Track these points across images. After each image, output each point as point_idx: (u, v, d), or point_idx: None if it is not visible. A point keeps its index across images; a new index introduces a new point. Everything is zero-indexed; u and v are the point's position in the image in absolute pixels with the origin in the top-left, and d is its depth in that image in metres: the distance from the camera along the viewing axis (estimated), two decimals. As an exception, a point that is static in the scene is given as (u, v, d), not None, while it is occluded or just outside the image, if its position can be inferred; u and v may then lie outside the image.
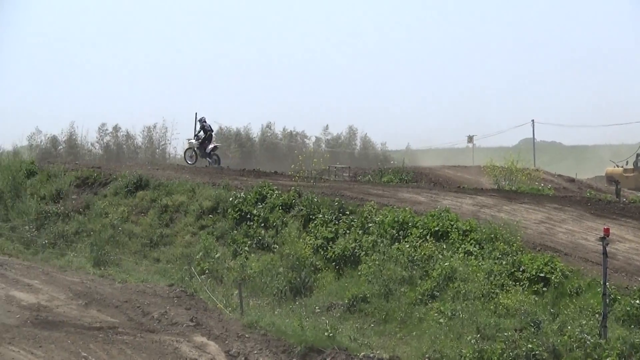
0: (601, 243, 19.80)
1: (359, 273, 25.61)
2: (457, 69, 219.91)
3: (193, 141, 46.03)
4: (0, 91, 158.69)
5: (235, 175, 40.33)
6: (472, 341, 20.00)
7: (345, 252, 26.93)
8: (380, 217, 27.76)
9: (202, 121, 45.66)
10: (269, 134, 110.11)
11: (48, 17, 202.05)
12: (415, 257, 25.02)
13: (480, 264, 24.01)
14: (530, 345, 19.19)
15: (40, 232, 33.61)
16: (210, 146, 45.75)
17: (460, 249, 25.36)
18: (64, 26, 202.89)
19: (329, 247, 27.47)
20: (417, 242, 25.76)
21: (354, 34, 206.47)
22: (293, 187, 32.22)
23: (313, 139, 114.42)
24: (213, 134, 47.95)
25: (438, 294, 23.36)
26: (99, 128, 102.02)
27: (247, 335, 21.26)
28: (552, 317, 20.96)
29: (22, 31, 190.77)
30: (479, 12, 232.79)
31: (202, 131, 45.60)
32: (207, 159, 45.15)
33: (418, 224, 26.94)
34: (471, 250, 25.17)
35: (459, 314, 21.64)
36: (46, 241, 32.60)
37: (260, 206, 31.05)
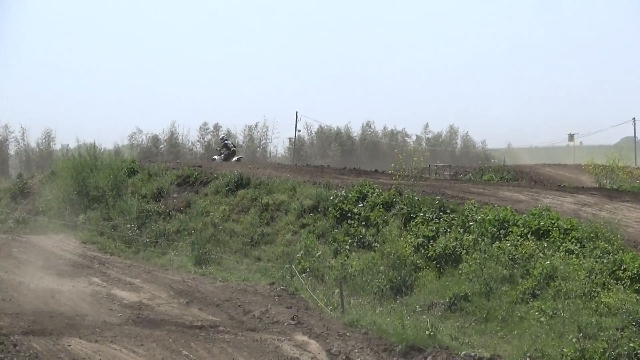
0: None
1: (460, 272, 25.29)
2: (559, 67, 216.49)
3: (216, 157, 49.14)
4: (103, 91, 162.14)
5: (335, 173, 40.25)
6: (573, 340, 19.68)
7: (446, 251, 26.62)
8: (481, 215, 27.39)
9: (224, 140, 50.35)
10: (369, 133, 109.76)
11: (149, 15, 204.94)
12: (516, 256, 24.61)
13: (581, 262, 23.51)
14: (632, 345, 18.78)
15: (142, 231, 33.93)
16: (234, 159, 48.57)
17: (561, 247, 24.88)
18: (161, 24, 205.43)
19: (430, 246, 27.17)
20: (518, 241, 25.34)
21: (454, 37, 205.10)
22: (393, 186, 32.00)
23: (413, 137, 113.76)
24: (236, 149, 51.57)
25: (539, 292, 22.95)
26: (200, 127, 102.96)
27: (348, 334, 21.11)
28: (654, 316, 20.43)
29: (122, 29, 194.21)
30: (580, 9, 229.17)
31: (225, 148, 48.91)
32: None
33: (519, 222, 26.51)
34: (572, 248, 24.69)
35: (560, 313, 21.25)
36: (147, 240, 32.90)
37: (361, 205, 30.88)
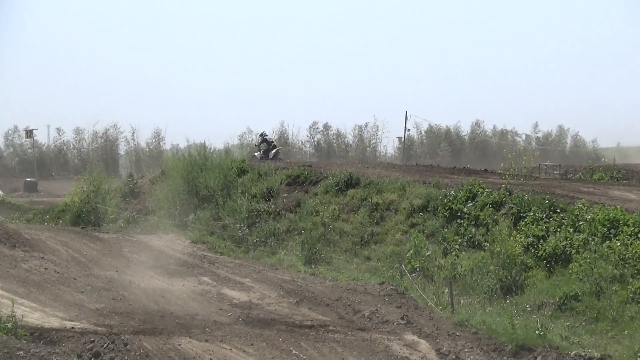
0: None
1: (570, 271, 24.92)
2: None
3: (256, 154, 49.73)
4: (213, 92, 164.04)
5: (445, 173, 40.12)
6: (685, 341, 19.23)
7: (556, 250, 26.27)
8: (591, 215, 26.94)
9: (263, 135, 51.15)
10: (478, 132, 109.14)
11: (257, 15, 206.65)
12: (627, 256, 24.12)
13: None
14: None
15: (252, 230, 34.12)
16: (273, 151, 49.30)
17: (672, 247, 24.37)
18: (268, 24, 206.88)
19: (540, 245, 26.84)
20: (628, 240, 24.83)
21: (563, 33, 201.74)
22: (503, 185, 31.73)
23: (523, 136, 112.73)
24: (274, 142, 52.37)
25: (650, 292, 22.53)
26: (309, 126, 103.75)
27: (457, 334, 20.97)
28: None
29: (229, 29, 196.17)
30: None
31: (264, 143, 49.83)
32: (271, 159, 47.86)
33: (629, 222, 25.96)
34: (683, 247, 24.16)
35: (672, 313, 20.84)
36: (257, 239, 33.09)
37: (471, 204, 30.69)
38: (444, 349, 19.81)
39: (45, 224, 39.53)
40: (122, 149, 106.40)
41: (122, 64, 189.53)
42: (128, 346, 16.54)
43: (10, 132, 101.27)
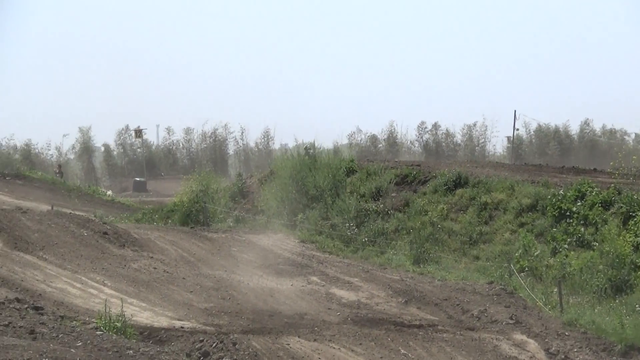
0: None
1: (684, 271, 24.68)
2: None
3: None
4: (322, 92, 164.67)
5: (554, 172, 39.81)
6: None
7: (667, 250, 26.04)
8: None
9: None
10: (587, 131, 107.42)
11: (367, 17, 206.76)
12: None
13: None
14: None
15: (360, 230, 34.25)
16: None
17: None
18: (373, 24, 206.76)
19: (649, 245, 26.62)
20: None
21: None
22: (612, 185, 31.37)
23: (632, 135, 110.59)
24: None
25: None
26: (418, 126, 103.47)
27: (566, 334, 20.89)
28: None
29: (338, 31, 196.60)
30: None
31: None
32: None
33: None
34: None
35: None
36: (366, 239, 33.23)
37: (580, 203, 30.45)
38: (553, 348, 19.77)
39: (155, 223, 39.90)
40: (231, 149, 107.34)
41: (232, 64, 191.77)
42: (237, 345, 16.65)
43: (122, 131, 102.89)
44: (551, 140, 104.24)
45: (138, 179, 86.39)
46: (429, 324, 21.36)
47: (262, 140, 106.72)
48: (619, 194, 30.13)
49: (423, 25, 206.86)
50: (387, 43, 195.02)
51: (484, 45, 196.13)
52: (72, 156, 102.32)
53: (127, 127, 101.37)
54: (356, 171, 40.82)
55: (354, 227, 34.61)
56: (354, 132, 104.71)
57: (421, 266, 29.38)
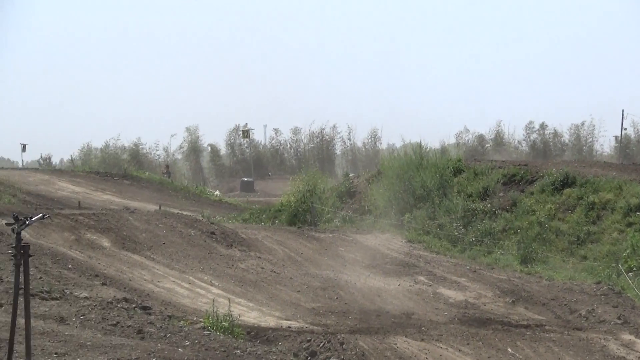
0: None
1: None
2: None
3: None
4: (428, 92, 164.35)
5: (663, 171, 39.16)
6: None
7: None
8: None
9: None
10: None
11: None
12: None
13: None
14: None
15: (467, 230, 34.28)
16: None
17: None
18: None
19: None
20: None
21: None
22: None
23: None
24: None
25: None
26: (525, 126, 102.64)
27: (675, 334, 20.70)
28: None
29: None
30: None
31: None
32: None
33: None
34: None
35: None
36: (473, 238, 33.24)
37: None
38: (662, 349, 19.59)
39: (262, 223, 40.30)
40: (338, 149, 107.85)
41: (340, 65, 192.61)
42: (344, 345, 16.66)
43: (231, 131, 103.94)
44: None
45: (246, 179, 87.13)
46: (537, 324, 21.32)
47: (370, 140, 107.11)
48: None
49: (531, 22, 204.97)
50: (494, 42, 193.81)
51: (593, 43, 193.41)
52: (179, 156, 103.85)
53: (237, 127, 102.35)
54: (463, 171, 40.76)
55: (461, 227, 34.61)
56: (461, 132, 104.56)
57: (529, 266, 29.27)
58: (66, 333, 13.02)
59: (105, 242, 25.67)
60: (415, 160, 40.92)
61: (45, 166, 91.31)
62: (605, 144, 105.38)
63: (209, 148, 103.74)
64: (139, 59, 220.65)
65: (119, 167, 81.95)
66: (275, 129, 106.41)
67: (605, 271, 27.65)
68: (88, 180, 56.79)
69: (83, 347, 12.23)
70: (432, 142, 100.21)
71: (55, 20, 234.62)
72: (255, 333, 17.82)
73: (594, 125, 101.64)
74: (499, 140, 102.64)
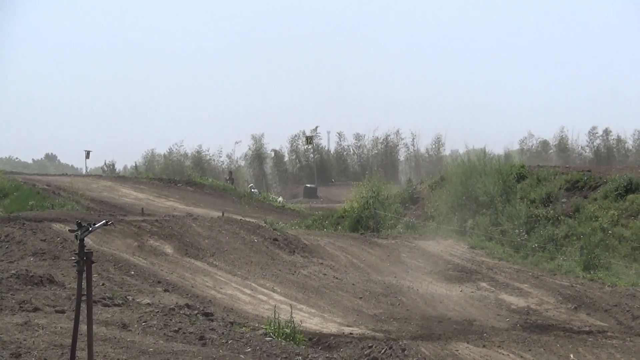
0: None
1: None
2: None
3: None
4: (492, 97, 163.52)
5: None
6: None
7: None
8: None
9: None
10: None
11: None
12: None
13: None
14: None
15: (530, 236, 34.07)
16: None
17: None
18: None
19: None
20: None
21: None
22: None
23: None
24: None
25: None
26: (589, 131, 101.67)
27: None
28: None
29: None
30: None
31: None
32: None
33: None
34: None
35: None
36: (536, 245, 33.04)
37: None
38: None
39: (325, 229, 40.47)
40: (401, 155, 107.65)
41: (403, 71, 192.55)
42: (405, 352, 16.53)
43: (295, 137, 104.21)
44: None
45: (309, 185, 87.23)
46: (599, 330, 21.29)
47: (433, 146, 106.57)
48: None
49: (595, 29, 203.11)
50: (558, 47, 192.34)
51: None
52: (242, 162, 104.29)
53: (302, 133, 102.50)
54: (526, 177, 40.54)
55: (524, 233, 34.42)
56: (525, 138, 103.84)
57: (591, 272, 29.07)
58: (128, 339, 13.23)
59: (168, 249, 26.02)
60: (479, 166, 40.81)
61: (108, 173, 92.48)
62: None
63: (273, 154, 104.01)
64: (203, 65, 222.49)
65: (182, 174, 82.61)
66: (338, 133, 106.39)
67: (669, 277, 27.48)
68: (151, 187, 57.42)
69: (145, 353, 12.44)
70: (496, 148, 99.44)
71: (121, 26, 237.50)
72: (317, 339, 18.03)
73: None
74: (562, 146, 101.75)
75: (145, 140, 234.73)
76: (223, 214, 37.27)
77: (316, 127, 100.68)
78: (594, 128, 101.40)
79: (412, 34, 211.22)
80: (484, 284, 27.00)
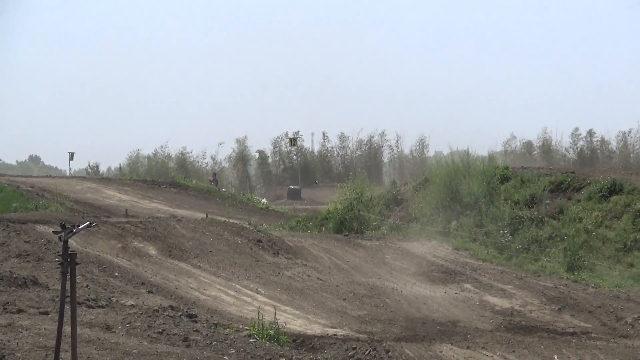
0: None
1: None
2: None
3: None
4: (474, 99, 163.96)
5: None
6: None
7: None
8: None
9: None
10: None
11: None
12: None
13: None
14: None
15: (514, 237, 34.14)
16: None
17: None
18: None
19: None
20: None
21: None
22: None
23: None
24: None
25: None
26: (572, 133, 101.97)
27: None
28: None
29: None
30: None
31: None
32: None
33: None
34: None
35: None
36: (520, 246, 33.09)
37: None
38: None
39: (308, 231, 40.49)
40: (385, 156, 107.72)
41: (388, 73, 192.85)
42: (389, 353, 16.50)
43: (278, 139, 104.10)
44: None
45: (293, 186, 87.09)
46: (583, 332, 21.33)
47: (417, 147, 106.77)
48: None
49: (580, 30, 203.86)
50: (541, 48, 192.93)
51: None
52: (226, 164, 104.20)
53: (285, 135, 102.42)
54: (510, 178, 40.61)
55: (508, 235, 34.52)
56: (508, 139, 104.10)
57: (575, 273, 29.16)
58: (112, 341, 13.18)
59: (152, 250, 25.99)
60: (463, 167, 40.87)
61: (92, 174, 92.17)
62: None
63: (257, 155, 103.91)
64: (187, 66, 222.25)
65: (166, 175, 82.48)
66: (323, 133, 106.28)
67: (652, 279, 27.56)
68: (135, 189, 57.30)
69: (129, 355, 12.40)
70: (480, 149, 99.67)
71: (105, 27, 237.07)
72: (301, 341, 17.97)
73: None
74: (546, 147, 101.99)
75: (129, 142, 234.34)
76: (207, 216, 37.24)
77: (298, 131, 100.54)
78: (576, 129, 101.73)
79: (396, 35, 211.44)
80: (468, 285, 27.04)
